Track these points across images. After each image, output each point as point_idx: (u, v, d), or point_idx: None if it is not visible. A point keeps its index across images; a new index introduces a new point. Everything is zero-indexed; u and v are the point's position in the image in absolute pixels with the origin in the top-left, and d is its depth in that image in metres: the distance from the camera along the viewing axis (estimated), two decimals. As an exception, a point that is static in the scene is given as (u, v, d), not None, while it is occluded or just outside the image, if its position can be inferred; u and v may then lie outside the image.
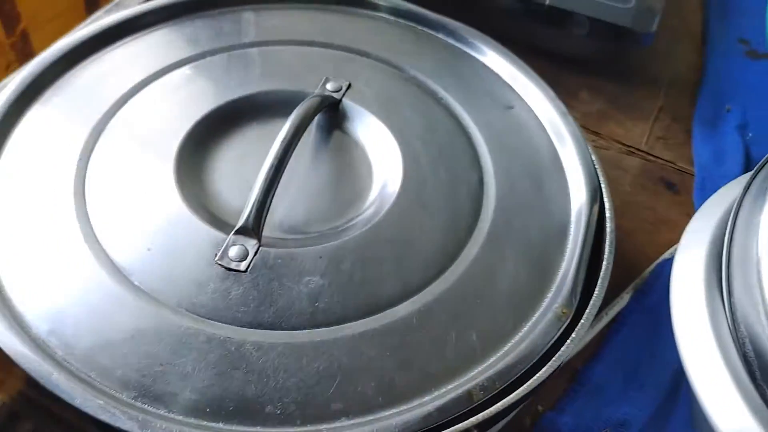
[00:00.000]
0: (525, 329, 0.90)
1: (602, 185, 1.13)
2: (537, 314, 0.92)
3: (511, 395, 0.89)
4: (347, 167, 1.05)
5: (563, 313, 0.91)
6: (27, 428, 2.42)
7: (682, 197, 1.40)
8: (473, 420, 0.87)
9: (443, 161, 1.04)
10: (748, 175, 1.05)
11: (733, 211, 0.92)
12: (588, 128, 1.49)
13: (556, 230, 1.01)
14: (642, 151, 1.48)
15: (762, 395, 0.81)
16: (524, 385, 0.90)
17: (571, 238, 1.01)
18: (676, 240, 1.32)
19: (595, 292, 1.00)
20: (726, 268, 0.87)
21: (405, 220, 0.96)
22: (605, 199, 1.11)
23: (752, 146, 1.47)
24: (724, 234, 0.92)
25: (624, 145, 1.49)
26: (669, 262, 1.24)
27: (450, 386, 0.84)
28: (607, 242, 1.05)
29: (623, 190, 1.39)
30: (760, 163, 0.96)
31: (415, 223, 0.96)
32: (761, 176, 0.93)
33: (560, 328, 0.90)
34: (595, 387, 1.09)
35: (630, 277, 1.24)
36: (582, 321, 0.96)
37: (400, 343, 0.85)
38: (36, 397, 1.57)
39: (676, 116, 1.56)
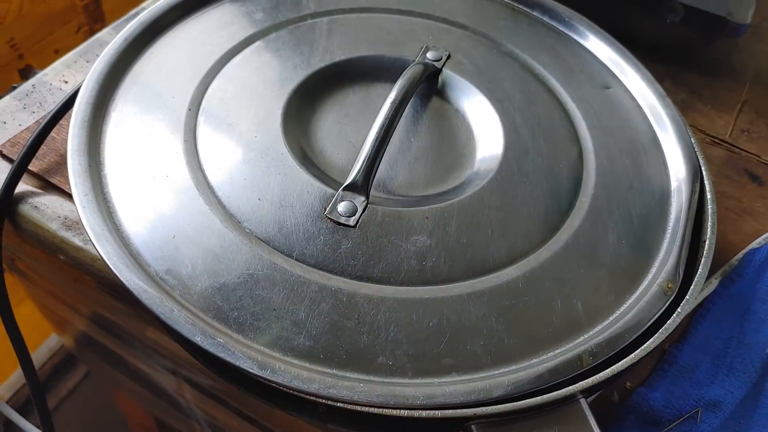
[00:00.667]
0: (630, 301, 0.90)
1: (702, 168, 1.12)
2: (641, 288, 0.92)
3: (621, 362, 0.90)
4: (447, 135, 1.06)
5: (669, 287, 0.90)
6: (80, 372, 2.47)
7: (766, 190, 1.38)
8: (583, 384, 0.88)
9: (543, 134, 1.04)
10: None
11: None
12: (673, 116, 1.48)
13: (656, 208, 1.01)
14: (726, 143, 1.47)
15: None
16: (633, 353, 0.90)
17: (672, 216, 1.00)
18: (761, 230, 1.31)
19: (699, 271, 1.00)
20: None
21: (507, 187, 0.97)
22: (706, 181, 1.11)
23: (836, 144, 1.45)
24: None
25: (708, 135, 1.48)
26: (758, 251, 1.23)
27: (558, 351, 0.84)
28: (710, 223, 1.05)
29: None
30: None
31: (517, 191, 0.97)
32: None
33: (666, 302, 0.90)
34: (684, 368, 1.08)
35: (716, 263, 1.23)
36: (687, 297, 0.97)
37: (508, 305, 0.86)
38: (99, 339, 1.60)
39: (759, 110, 1.54)
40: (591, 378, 0.88)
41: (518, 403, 0.86)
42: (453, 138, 1.05)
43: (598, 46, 1.19)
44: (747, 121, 1.52)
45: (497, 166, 0.97)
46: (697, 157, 1.04)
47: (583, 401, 0.88)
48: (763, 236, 1.26)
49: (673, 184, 0.99)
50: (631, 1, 1.45)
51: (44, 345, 2.37)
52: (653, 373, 1.09)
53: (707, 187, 1.09)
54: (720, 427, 1.02)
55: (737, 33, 1.46)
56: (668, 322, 0.92)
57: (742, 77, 1.61)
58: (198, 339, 0.79)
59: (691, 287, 0.97)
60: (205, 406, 1.38)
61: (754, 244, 1.25)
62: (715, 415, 1.02)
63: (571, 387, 0.88)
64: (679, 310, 0.93)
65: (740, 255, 1.23)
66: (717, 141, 1.47)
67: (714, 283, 1.19)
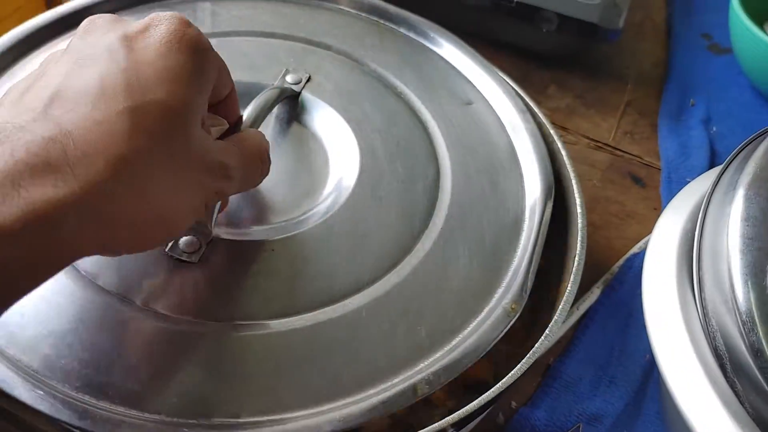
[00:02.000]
0: (473, 324, 0.89)
1: (573, 180, 1.12)
2: (486, 310, 0.91)
3: (486, 394, 0.89)
4: (304, 159, 1.03)
5: (512, 309, 0.90)
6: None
7: (649, 191, 1.41)
8: (449, 420, 0.86)
9: (400, 155, 1.03)
10: (715, 170, 1.06)
11: (703, 205, 0.92)
12: (556, 123, 1.50)
13: (509, 226, 1.00)
14: (610, 146, 1.49)
15: (733, 389, 0.81)
16: (498, 384, 0.89)
17: (524, 234, 1.00)
18: (644, 234, 1.33)
19: (568, 288, 0.99)
20: (697, 262, 0.87)
21: (360, 213, 0.94)
22: (576, 195, 1.11)
23: (716, 140, 1.49)
24: (695, 228, 0.92)
25: (592, 140, 1.49)
26: (638, 256, 1.25)
27: (396, 380, 0.82)
28: (579, 237, 1.05)
29: (592, 184, 1.39)
30: (728, 157, 0.97)
31: (369, 216, 0.94)
32: (730, 171, 0.94)
33: (508, 324, 0.90)
34: (568, 382, 1.08)
35: (599, 271, 1.24)
36: (555, 317, 0.96)
37: (350, 336, 0.84)
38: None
39: (642, 111, 1.57)
40: (458, 411, 0.87)
41: (384, 445, 0.85)
42: (309, 163, 1.02)
43: (462, 60, 1.19)
44: (630, 123, 1.54)
45: (350, 191, 0.95)
46: (551, 170, 1.05)
47: (453, 435, 0.87)
48: (643, 240, 1.28)
49: (529, 202, 1.00)
50: (508, 13, 1.45)
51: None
52: (538, 389, 1.09)
53: (577, 201, 1.09)
54: (602, 440, 1.02)
55: (610, 38, 1.48)
56: (536, 345, 0.92)
57: (625, 79, 1.64)
58: (17, 393, 0.75)
59: (560, 306, 0.96)
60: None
61: (635, 249, 1.27)
62: (595, 429, 1.02)
63: (439, 423, 0.86)
64: (547, 332, 0.93)
65: (621, 262, 1.24)
66: (601, 145, 1.49)
67: (596, 292, 1.19)
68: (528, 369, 0.91)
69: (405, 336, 0.85)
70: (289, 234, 0.90)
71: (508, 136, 1.11)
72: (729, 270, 0.82)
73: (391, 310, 0.86)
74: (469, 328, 0.88)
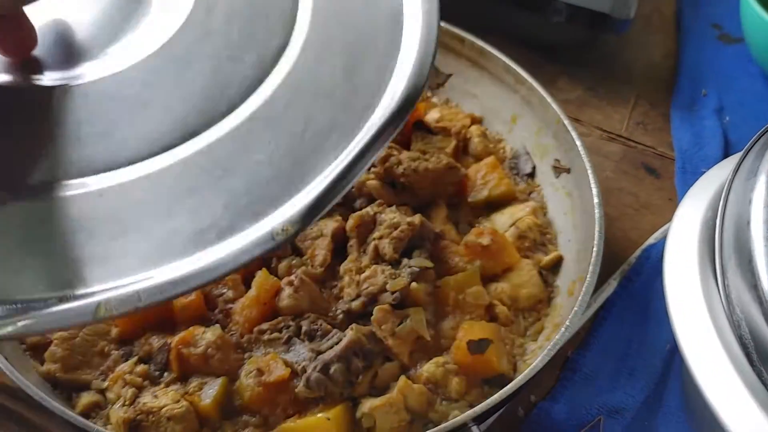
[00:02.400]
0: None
1: (589, 170, 1.12)
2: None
3: (507, 387, 0.88)
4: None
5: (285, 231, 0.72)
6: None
7: (663, 182, 1.39)
8: (470, 414, 0.86)
9: (244, 17, 0.85)
10: (732, 159, 1.05)
11: (723, 193, 0.91)
12: (568, 115, 1.48)
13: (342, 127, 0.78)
14: (622, 137, 1.47)
15: (759, 376, 0.80)
16: (520, 376, 0.89)
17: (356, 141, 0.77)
18: (659, 225, 1.32)
19: (587, 279, 0.99)
20: (719, 250, 0.86)
21: (153, 75, 0.79)
22: (592, 185, 1.10)
23: (729, 130, 1.48)
24: (715, 217, 0.91)
25: (604, 131, 1.48)
26: (654, 247, 1.24)
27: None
28: (597, 227, 1.04)
29: (605, 176, 1.38)
30: (747, 145, 0.96)
31: (162, 83, 0.79)
32: (750, 158, 0.92)
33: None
34: (587, 375, 1.08)
35: (616, 263, 1.23)
36: (575, 309, 0.96)
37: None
38: (8, 405, 1.51)
39: (653, 102, 1.55)
40: (480, 405, 0.86)
41: (406, 439, 0.84)
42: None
43: None
44: (642, 114, 1.53)
45: (152, 51, 0.81)
46: (426, 75, 0.82)
47: (475, 429, 0.86)
48: (660, 231, 1.27)
49: (385, 103, 0.81)
50: (518, 4, 1.44)
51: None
52: (557, 383, 1.08)
53: (594, 191, 1.09)
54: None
55: (621, 29, 1.47)
56: (556, 337, 0.91)
57: (635, 70, 1.62)
58: None
59: (579, 297, 0.96)
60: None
61: (651, 240, 1.26)
62: (617, 422, 1.01)
63: (460, 416, 0.86)
64: (567, 323, 0.92)
65: (637, 253, 1.23)
66: (613, 136, 1.47)
67: (613, 284, 1.18)
68: (548, 362, 0.91)
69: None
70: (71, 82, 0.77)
71: (401, 22, 0.86)
72: (753, 257, 0.81)
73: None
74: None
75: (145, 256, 0.66)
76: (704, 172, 1.12)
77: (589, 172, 1.11)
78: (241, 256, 0.66)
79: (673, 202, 1.35)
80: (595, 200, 1.07)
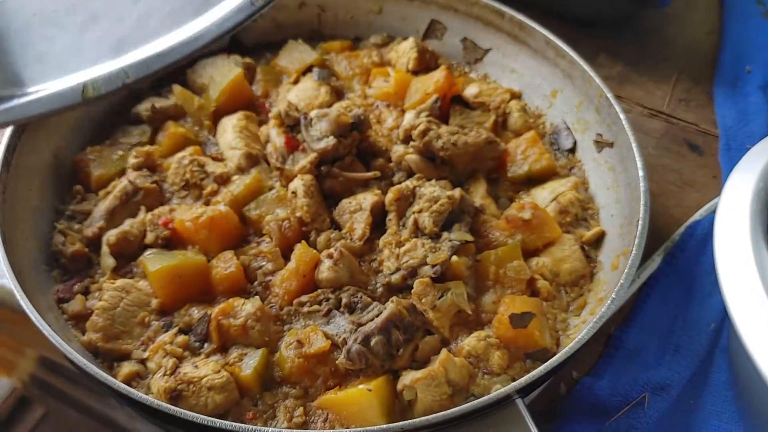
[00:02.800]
0: None
1: (634, 144, 1.09)
2: None
3: (552, 359, 0.86)
4: None
5: None
6: (38, 413, 2.37)
7: (707, 159, 1.36)
8: (516, 384, 0.84)
9: None
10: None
11: (777, 163, 0.88)
12: (609, 91, 1.45)
13: None
14: (664, 114, 1.44)
15: (816, 350, 0.77)
16: (565, 349, 0.87)
17: None
18: (703, 202, 1.29)
19: (632, 252, 0.96)
20: (774, 220, 0.83)
21: None
22: (637, 158, 1.07)
23: (776, 106, 1.43)
24: (767, 188, 0.88)
25: (646, 108, 1.45)
26: (699, 224, 1.21)
27: None
28: (642, 201, 1.02)
29: (647, 153, 1.35)
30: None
31: None
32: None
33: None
34: (630, 351, 1.05)
35: (659, 239, 1.20)
36: (621, 281, 0.93)
37: None
38: (48, 380, 1.53)
39: (696, 79, 1.51)
40: (524, 378, 0.84)
41: (450, 411, 0.83)
42: None
43: None
44: (684, 90, 1.49)
45: None
46: None
47: (519, 401, 0.85)
48: (704, 208, 1.24)
49: None
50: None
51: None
52: (600, 359, 1.06)
53: (639, 164, 1.06)
54: (669, 410, 0.99)
55: (663, 3, 1.43)
56: (601, 310, 0.89)
57: (677, 47, 1.59)
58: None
59: (625, 271, 0.93)
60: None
61: (696, 217, 1.22)
62: (662, 399, 0.99)
63: (504, 389, 0.84)
64: (613, 296, 0.90)
65: (681, 229, 1.20)
66: (655, 113, 1.44)
67: (657, 260, 1.16)
68: (591, 338, 0.89)
69: None
70: None
71: None
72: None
73: None
74: None
75: (121, 39, 0.67)
76: (749, 148, 1.09)
77: (634, 146, 1.08)
78: (223, 24, 0.67)
79: (717, 180, 1.32)
80: (640, 173, 1.05)
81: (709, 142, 1.39)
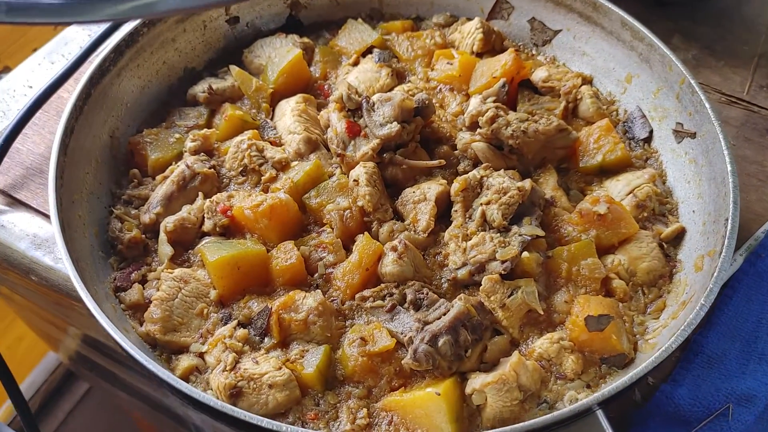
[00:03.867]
0: None
1: (721, 137, 1.02)
2: None
3: (637, 369, 0.81)
4: None
5: None
6: (83, 388, 2.40)
7: (791, 150, 1.27)
8: (599, 395, 0.79)
9: None
10: None
11: None
12: (685, 76, 1.37)
13: None
14: (743, 101, 1.35)
15: None
16: (651, 358, 0.81)
17: None
18: (789, 197, 1.21)
19: (722, 254, 0.90)
20: None
21: None
22: (725, 152, 1.00)
23: None
24: None
25: (723, 94, 1.36)
26: (785, 221, 1.13)
27: None
28: (731, 198, 0.95)
29: (726, 143, 1.27)
30: None
31: None
32: None
33: None
34: (711, 358, 0.99)
35: (741, 237, 1.12)
36: (710, 286, 0.87)
37: None
38: (92, 357, 1.53)
39: (778, 63, 1.42)
40: (607, 389, 0.79)
41: (528, 423, 0.78)
42: None
43: None
44: (765, 76, 1.40)
45: None
46: None
47: (600, 413, 0.79)
48: (791, 204, 1.16)
49: None
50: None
51: (43, 363, 2.31)
52: (677, 365, 0.99)
53: (726, 158, 0.99)
54: (755, 422, 0.93)
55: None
56: (689, 317, 0.83)
57: (757, 28, 1.49)
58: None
59: (714, 274, 0.87)
60: (205, 422, 1.31)
61: (781, 213, 1.15)
62: (748, 410, 0.93)
63: (586, 400, 0.79)
64: (702, 302, 0.83)
65: (765, 227, 1.13)
66: (734, 100, 1.35)
67: (739, 260, 1.08)
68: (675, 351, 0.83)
69: None
70: None
71: None
72: None
73: None
74: None
75: None
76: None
77: (721, 137, 1.01)
78: None
79: (802, 173, 1.23)
80: (728, 168, 0.98)
81: (793, 131, 1.30)
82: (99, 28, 1.30)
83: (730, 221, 0.92)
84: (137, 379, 1.41)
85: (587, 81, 1.26)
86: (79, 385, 2.33)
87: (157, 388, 1.30)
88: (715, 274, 0.87)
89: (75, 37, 1.42)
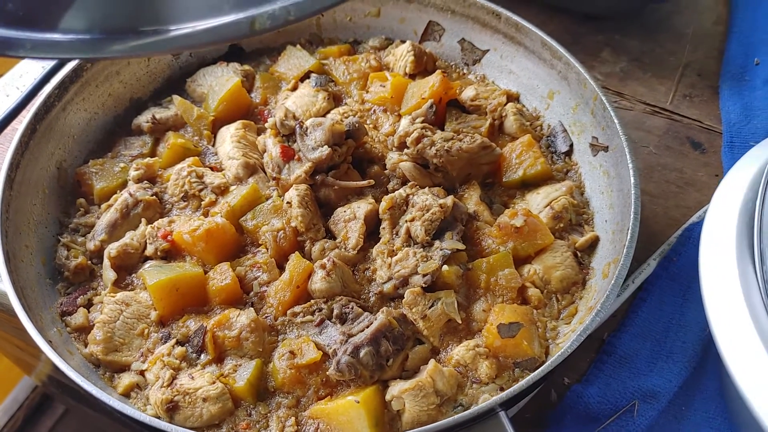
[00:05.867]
0: None
1: (626, 150, 1.08)
2: None
3: (535, 372, 0.87)
4: None
5: None
6: (59, 410, 2.44)
7: (709, 157, 1.34)
8: (496, 399, 0.86)
9: None
10: (779, 134, 1.00)
11: (766, 172, 0.88)
12: (610, 88, 1.44)
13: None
14: (667, 111, 1.42)
15: (797, 365, 0.77)
16: (548, 362, 0.88)
17: None
18: (704, 202, 1.27)
19: (621, 261, 0.96)
20: (758, 234, 0.83)
21: None
22: (629, 164, 1.07)
23: (784, 100, 1.41)
24: (756, 197, 0.87)
25: (648, 105, 1.43)
26: (697, 225, 1.20)
27: None
28: (632, 210, 1.01)
29: (648, 151, 1.34)
30: (792, 120, 0.91)
31: None
32: (793, 135, 0.88)
33: None
34: (622, 357, 1.06)
35: (656, 242, 1.20)
36: (607, 292, 0.94)
37: None
38: (65, 382, 1.58)
39: (702, 72, 1.49)
40: (506, 391, 0.85)
41: (432, 426, 0.84)
42: None
43: None
44: (689, 85, 1.47)
45: None
46: None
47: (502, 414, 0.86)
48: (704, 209, 1.23)
49: None
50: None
51: (21, 384, 2.35)
52: (591, 366, 1.06)
53: (630, 171, 1.05)
54: (658, 417, 0.99)
55: (667, -4, 1.41)
56: (587, 320, 0.90)
57: (684, 39, 1.56)
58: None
59: (612, 280, 0.94)
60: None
61: (694, 219, 1.22)
62: (652, 406, 1.00)
63: (487, 402, 0.86)
64: (598, 307, 0.90)
65: (678, 232, 1.20)
66: (657, 110, 1.42)
67: (653, 264, 1.15)
68: (581, 345, 0.90)
69: None
70: None
71: None
72: (792, 242, 0.78)
73: None
74: None
75: None
76: (753, 146, 1.08)
77: (627, 150, 1.08)
78: None
79: (719, 179, 1.29)
80: (632, 180, 1.04)
81: (712, 139, 1.38)
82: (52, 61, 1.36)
83: (629, 231, 0.99)
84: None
85: (514, 98, 1.32)
86: (57, 406, 2.38)
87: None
88: (612, 281, 0.94)
89: (30, 70, 1.48)
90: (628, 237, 0.98)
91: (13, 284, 0.97)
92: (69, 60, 0.65)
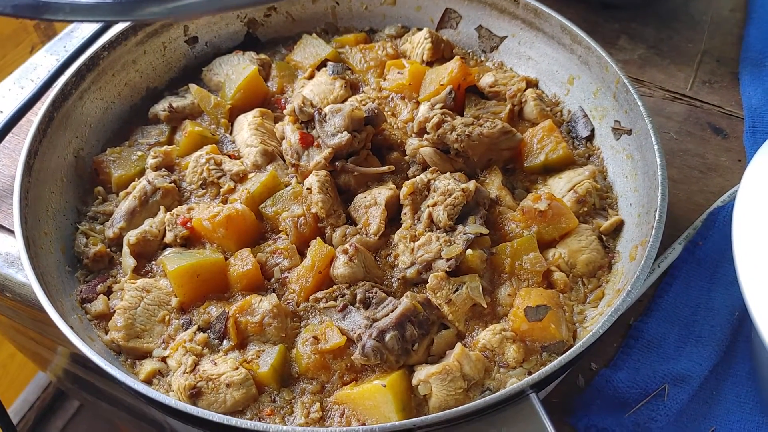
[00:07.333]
0: None
1: (651, 132, 1.07)
2: None
3: (564, 355, 0.86)
4: None
5: None
6: (73, 405, 2.43)
7: (731, 142, 1.33)
8: (528, 381, 0.84)
9: None
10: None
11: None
12: (629, 75, 1.42)
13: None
14: (687, 97, 1.41)
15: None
16: (578, 344, 0.86)
17: None
18: (727, 187, 1.26)
19: (650, 242, 0.95)
20: (792, 209, 0.81)
21: None
22: (655, 147, 1.05)
23: (804, 86, 1.39)
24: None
25: (668, 91, 1.42)
26: (722, 209, 1.18)
27: None
28: (660, 191, 1.00)
29: (669, 137, 1.33)
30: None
31: None
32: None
33: None
34: (650, 342, 1.04)
35: (680, 227, 1.18)
36: (637, 272, 0.92)
37: None
38: (81, 375, 1.57)
39: (721, 59, 1.48)
40: (537, 373, 0.84)
41: (462, 407, 0.83)
42: None
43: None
44: (708, 72, 1.46)
45: None
46: None
47: (533, 396, 0.84)
48: (728, 193, 1.21)
49: None
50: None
51: (35, 380, 2.34)
52: (618, 351, 1.05)
53: (656, 153, 1.04)
54: (689, 401, 0.98)
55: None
56: (616, 302, 0.88)
57: (702, 26, 1.55)
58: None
59: (641, 263, 0.92)
60: None
61: (718, 203, 1.20)
62: (682, 390, 0.98)
63: (517, 384, 0.84)
64: (629, 288, 0.89)
65: (703, 216, 1.18)
66: (677, 96, 1.41)
67: (678, 248, 1.14)
68: (609, 329, 0.88)
69: None
70: None
71: None
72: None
73: None
74: None
75: None
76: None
77: (651, 132, 1.06)
78: None
79: (742, 164, 1.29)
80: (658, 161, 1.03)
81: (734, 124, 1.36)
82: (66, 52, 1.35)
83: (657, 212, 0.97)
84: (118, 389, 1.45)
85: (533, 84, 1.31)
86: (70, 401, 2.37)
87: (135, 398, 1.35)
88: (642, 262, 0.92)
89: (44, 62, 1.48)
90: (656, 218, 0.97)
91: (34, 270, 0.96)
92: (110, 23, 0.64)
